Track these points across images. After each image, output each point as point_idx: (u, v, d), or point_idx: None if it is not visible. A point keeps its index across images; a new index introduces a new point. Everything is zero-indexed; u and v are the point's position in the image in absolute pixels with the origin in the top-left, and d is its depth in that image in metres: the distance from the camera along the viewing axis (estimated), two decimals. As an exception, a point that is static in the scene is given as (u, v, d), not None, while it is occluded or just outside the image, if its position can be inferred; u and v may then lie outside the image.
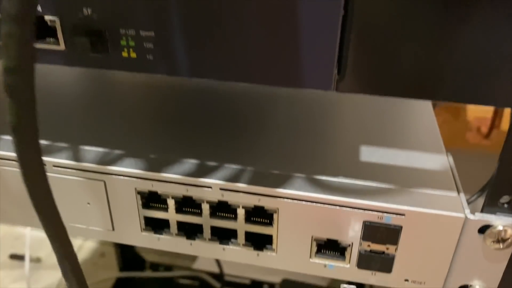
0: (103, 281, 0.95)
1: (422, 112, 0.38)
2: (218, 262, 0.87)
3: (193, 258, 1.03)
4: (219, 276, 0.90)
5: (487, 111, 0.90)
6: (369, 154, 0.32)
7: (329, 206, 0.28)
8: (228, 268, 0.89)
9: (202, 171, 0.30)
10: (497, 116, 0.89)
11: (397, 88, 0.23)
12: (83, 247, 1.10)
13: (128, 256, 1.00)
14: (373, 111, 0.38)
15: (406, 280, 0.29)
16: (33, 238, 1.09)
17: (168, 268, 0.97)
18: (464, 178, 0.30)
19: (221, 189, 0.29)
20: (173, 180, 0.29)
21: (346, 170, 0.30)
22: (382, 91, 0.24)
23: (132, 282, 0.98)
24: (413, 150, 0.32)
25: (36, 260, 1.04)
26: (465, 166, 0.35)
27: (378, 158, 0.31)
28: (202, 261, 1.03)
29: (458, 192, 0.28)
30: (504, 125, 0.88)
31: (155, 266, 0.98)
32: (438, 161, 0.31)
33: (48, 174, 0.31)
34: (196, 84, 0.43)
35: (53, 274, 1.00)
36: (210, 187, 0.29)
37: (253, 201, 0.29)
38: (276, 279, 0.91)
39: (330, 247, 0.29)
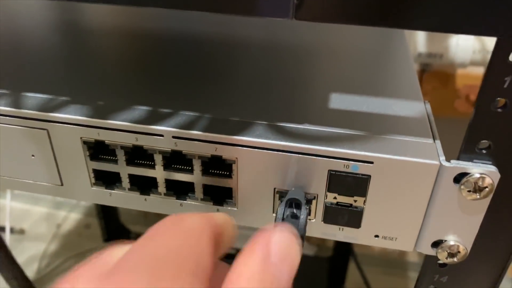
0: (88, 252, 0.93)
1: (400, 58, 0.36)
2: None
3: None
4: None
5: (476, 78, 0.87)
6: (340, 101, 0.29)
7: (291, 155, 0.25)
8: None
9: (153, 118, 0.27)
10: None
11: (365, 13, 0.20)
12: (68, 218, 1.08)
13: (113, 227, 0.98)
14: (348, 58, 0.36)
15: (376, 236, 0.27)
16: (16, 209, 1.07)
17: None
18: (452, 146, 0.28)
19: (173, 137, 0.26)
20: (120, 128, 0.26)
21: (313, 118, 0.27)
22: (346, 18, 0.21)
23: (116, 253, 0.96)
24: (388, 98, 0.29)
25: (20, 232, 1.03)
26: (453, 134, 0.33)
27: (349, 105, 0.28)
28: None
29: (434, 139, 0.25)
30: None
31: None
32: (414, 108, 0.28)
33: (-17, 121, 0.28)
34: (154, 28, 0.40)
35: (37, 245, 0.99)
36: (162, 135, 0.26)
37: (209, 150, 0.26)
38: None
39: (294, 201, 0.27)
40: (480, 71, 0.86)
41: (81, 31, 0.41)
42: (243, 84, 0.31)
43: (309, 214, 0.26)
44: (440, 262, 0.28)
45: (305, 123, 0.26)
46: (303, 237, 0.24)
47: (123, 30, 0.41)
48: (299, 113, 0.28)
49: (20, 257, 0.94)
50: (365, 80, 0.32)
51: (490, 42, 0.79)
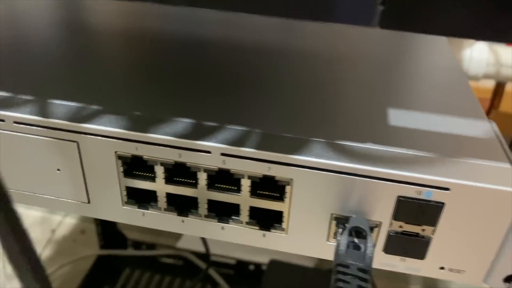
0: (83, 259, 0.90)
1: (451, 70, 0.33)
2: (204, 240, 0.82)
3: (177, 237, 0.98)
4: (204, 256, 0.85)
5: (487, 92, 0.86)
6: (399, 118, 0.26)
7: (356, 178, 0.22)
8: (213, 247, 0.85)
9: (199, 132, 0.24)
10: (496, 97, 0.85)
11: (461, 24, 0.18)
12: (62, 223, 1.04)
13: (109, 233, 0.95)
14: (399, 71, 0.33)
15: (442, 268, 0.24)
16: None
17: (151, 246, 0.92)
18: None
19: (222, 154, 0.23)
20: (163, 142, 0.24)
21: (374, 136, 0.24)
22: (438, 29, 0.18)
23: (113, 260, 0.93)
24: (449, 115, 0.27)
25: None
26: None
27: (410, 123, 0.26)
28: (186, 240, 0.98)
29: (511, 163, 0.23)
30: (504, 106, 0.84)
31: (137, 244, 0.93)
32: (480, 127, 0.26)
33: (7, 132, 0.25)
34: (193, 35, 0.37)
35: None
36: (209, 152, 0.23)
37: (261, 169, 0.23)
38: (264, 259, 0.87)
39: (353, 228, 0.24)
40: (491, 84, 0.85)
41: (107, 35, 0.38)
42: (289, 96, 0.29)
43: (374, 245, 0.23)
44: (507, 296, 0.25)
45: (368, 142, 0.24)
46: (370, 272, 0.22)
47: (150, 35, 0.38)
48: (358, 131, 0.25)
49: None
50: (419, 94, 0.30)
51: (504, 55, 0.77)
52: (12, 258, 0.18)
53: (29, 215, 1.05)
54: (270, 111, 0.26)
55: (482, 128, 0.26)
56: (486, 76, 0.79)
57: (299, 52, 0.35)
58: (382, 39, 0.39)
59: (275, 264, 0.85)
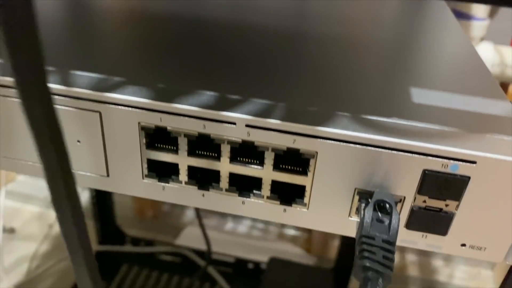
0: (80, 255, 0.89)
1: (467, 51, 0.33)
2: (205, 237, 0.82)
3: (176, 234, 0.98)
4: (204, 254, 0.85)
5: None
6: (422, 96, 0.27)
7: (382, 151, 0.22)
8: (212, 245, 0.84)
9: (223, 104, 0.24)
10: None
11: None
12: (58, 219, 1.03)
13: (108, 229, 0.94)
14: (418, 51, 0.33)
15: (463, 245, 0.24)
16: (7, 207, 1.01)
17: (150, 243, 0.92)
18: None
19: (247, 125, 0.23)
20: (187, 113, 0.23)
21: (399, 111, 0.24)
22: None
23: (111, 256, 0.92)
24: (471, 95, 0.27)
25: (10, 231, 0.98)
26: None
27: (433, 100, 0.26)
28: (185, 237, 0.98)
29: (535, 140, 0.23)
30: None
31: (135, 241, 0.93)
32: (503, 106, 0.26)
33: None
34: (213, 16, 0.37)
35: (27, 245, 0.94)
36: (234, 123, 0.23)
37: (286, 142, 0.23)
38: (262, 257, 0.86)
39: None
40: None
41: (126, 14, 0.38)
42: (312, 74, 0.29)
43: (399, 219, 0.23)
44: (526, 276, 0.25)
45: (394, 117, 0.24)
46: (394, 244, 0.22)
47: (173, 12, 0.38)
48: (383, 106, 0.25)
49: (10, 257, 0.89)
50: (440, 75, 0.30)
51: (509, 56, 0.78)
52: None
53: (26, 210, 1.04)
54: (295, 87, 0.26)
55: (505, 107, 0.26)
56: (491, 77, 0.80)
57: (319, 34, 0.35)
58: (398, 22, 0.39)
59: (274, 262, 0.85)
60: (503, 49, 0.77)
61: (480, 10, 0.74)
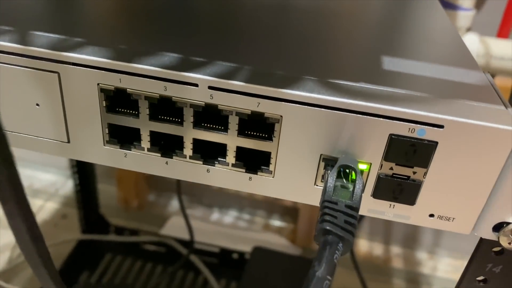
0: (64, 243, 0.88)
1: (443, 25, 0.33)
2: (189, 227, 0.81)
3: (160, 224, 0.97)
4: (188, 243, 0.84)
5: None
6: (393, 64, 0.26)
7: (347, 114, 0.22)
8: (197, 234, 0.84)
9: (186, 65, 0.23)
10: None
11: None
12: (44, 207, 1.02)
13: (91, 218, 0.93)
14: (395, 26, 0.33)
15: (431, 215, 0.24)
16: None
17: (134, 232, 0.91)
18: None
19: (210, 87, 0.22)
20: (147, 73, 0.23)
21: (369, 77, 0.24)
22: None
23: (95, 245, 0.91)
24: (444, 65, 0.26)
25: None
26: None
27: (405, 68, 0.25)
28: (170, 227, 0.97)
29: (506, 106, 0.23)
30: None
31: (119, 230, 0.92)
32: (475, 76, 0.26)
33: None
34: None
35: (10, 234, 0.91)
36: (197, 85, 0.22)
37: (250, 105, 0.22)
38: (247, 248, 0.86)
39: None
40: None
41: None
42: (281, 39, 0.28)
43: (364, 185, 0.23)
44: (495, 249, 0.25)
45: (361, 82, 0.23)
46: (357, 210, 0.21)
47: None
48: (351, 72, 0.24)
49: (-7, 245, 0.88)
50: (413, 45, 0.29)
51: (494, 47, 0.78)
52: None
53: (9, 198, 1.02)
54: (263, 51, 0.26)
55: (477, 77, 0.25)
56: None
57: (297, 4, 0.35)
58: (383, 4, 0.38)
59: (258, 252, 0.84)
60: (489, 40, 0.76)
61: (466, 0, 0.73)
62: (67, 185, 1.08)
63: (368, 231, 0.96)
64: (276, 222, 1.00)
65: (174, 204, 1.03)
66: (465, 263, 0.26)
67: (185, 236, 0.85)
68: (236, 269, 0.85)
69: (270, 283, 0.79)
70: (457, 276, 0.26)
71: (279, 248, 0.89)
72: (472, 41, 0.76)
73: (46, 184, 1.07)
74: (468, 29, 0.77)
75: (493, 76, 0.77)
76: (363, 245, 0.96)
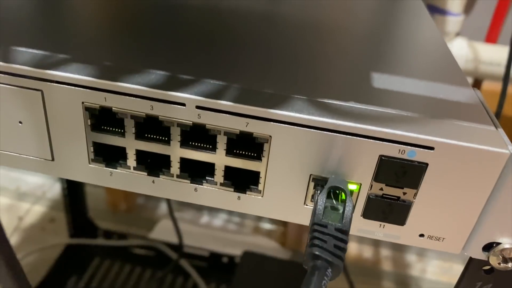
0: (52, 247, 0.87)
1: (434, 40, 0.33)
2: (177, 231, 0.81)
3: (150, 227, 0.96)
4: (177, 247, 0.83)
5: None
6: (383, 81, 0.26)
7: (337, 135, 0.21)
8: (186, 238, 0.83)
9: (173, 84, 0.23)
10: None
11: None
12: (31, 211, 1.01)
13: (79, 222, 0.92)
14: (384, 39, 0.32)
15: (422, 235, 0.24)
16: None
17: (122, 236, 0.90)
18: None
19: (198, 107, 0.22)
20: (133, 92, 0.22)
21: (358, 96, 0.24)
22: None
23: (83, 249, 0.90)
24: (434, 82, 0.26)
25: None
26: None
27: (394, 86, 0.25)
28: (159, 231, 0.96)
29: (496, 127, 0.22)
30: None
31: (108, 234, 0.91)
32: (465, 94, 0.25)
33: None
34: None
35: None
36: (184, 104, 0.22)
37: (239, 125, 0.22)
38: (237, 251, 0.85)
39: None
40: (469, 81, 0.85)
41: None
42: (270, 57, 0.27)
43: (353, 207, 0.22)
44: (485, 268, 0.25)
45: (351, 101, 0.23)
46: (347, 233, 0.21)
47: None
48: (341, 91, 0.24)
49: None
50: (404, 61, 0.29)
51: (483, 52, 0.78)
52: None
53: (-5, 201, 1.01)
54: (251, 68, 0.25)
55: (467, 94, 0.25)
56: (465, 73, 0.80)
57: (285, 19, 0.34)
58: (369, 14, 0.38)
59: (248, 256, 0.84)
60: (477, 45, 0.77)
61: (455, 5, 0.74)
62: (54, 188, 1.06)
63: (357, 234, 0.96)
64: (266, 225, 1.00)
65: (163, 207, 1.03)
66: (453, 265, 0.26)
67: (174, 239, 0.84)
68: (226, 273, 0.85)
69: (260, 287, 0.79)
70: (445, 278, 0.26)
71: (269, 251, 0.88)
72: (461, 47, 0.77)
73: (33, 187, 1.06)
74: (457, 34, 0.78)
75: (481, 80, 0.78)
76: (353, 248, 0.96)
